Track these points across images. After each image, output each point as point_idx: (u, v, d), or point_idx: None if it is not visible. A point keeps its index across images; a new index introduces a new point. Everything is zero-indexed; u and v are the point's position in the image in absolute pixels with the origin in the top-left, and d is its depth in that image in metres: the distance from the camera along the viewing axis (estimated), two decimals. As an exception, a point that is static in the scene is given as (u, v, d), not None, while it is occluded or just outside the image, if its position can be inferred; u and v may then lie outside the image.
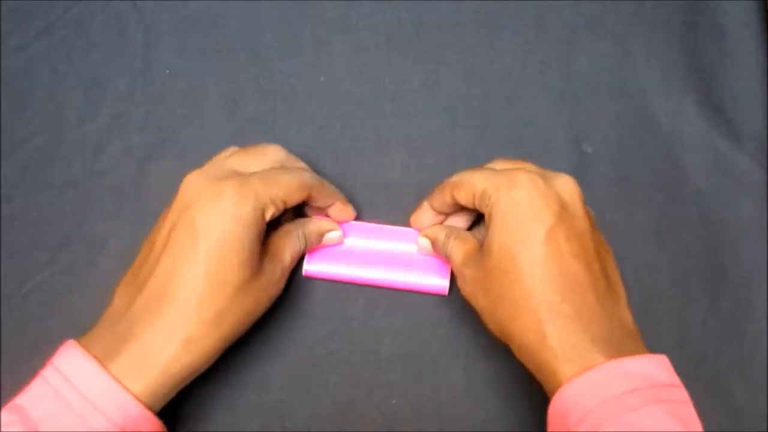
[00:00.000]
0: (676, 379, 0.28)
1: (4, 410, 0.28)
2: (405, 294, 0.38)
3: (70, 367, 0.28)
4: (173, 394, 0.31)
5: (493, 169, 0.33)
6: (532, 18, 0.43)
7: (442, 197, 0.35)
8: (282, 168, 0.34)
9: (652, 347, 0.37)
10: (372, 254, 0.38)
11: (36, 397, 0.28)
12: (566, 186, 0.31)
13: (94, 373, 0.28)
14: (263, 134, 0.41)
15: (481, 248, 0.32)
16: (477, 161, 0.40)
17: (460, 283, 0.33)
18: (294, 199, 0.33)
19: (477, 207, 0.33)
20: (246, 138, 0.40)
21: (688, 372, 0.36)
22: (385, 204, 0.39)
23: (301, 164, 0.37)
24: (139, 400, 0.28)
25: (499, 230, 0.30)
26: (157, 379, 0.29)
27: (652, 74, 0.42)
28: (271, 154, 0.35)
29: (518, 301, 0.29)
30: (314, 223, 0.37)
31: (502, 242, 0.30)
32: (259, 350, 0.37)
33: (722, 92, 0.41)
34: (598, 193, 0.40)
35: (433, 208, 0.36)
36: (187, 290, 0.30)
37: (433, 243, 0.36)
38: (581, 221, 0.31)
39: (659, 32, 0.42)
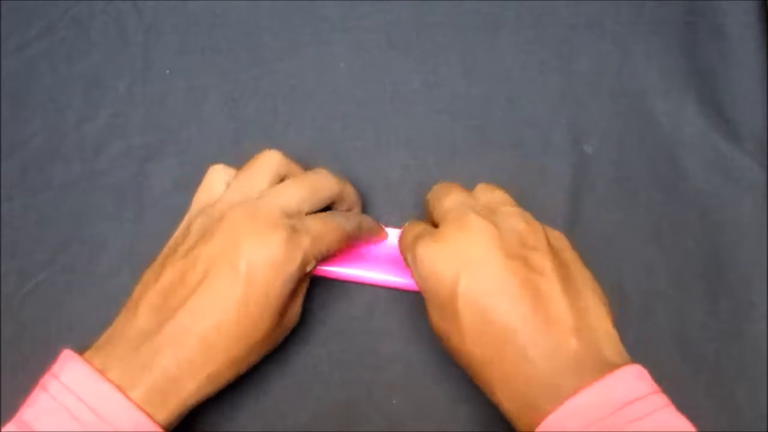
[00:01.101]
0: (645, 389, 0.27)
1: (10, 425, 0.28)
2: (405, 294, 0.38)
3: (84, 390, 0.28)
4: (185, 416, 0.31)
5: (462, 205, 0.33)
6: (532, 18, 0.43)
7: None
8: (338, 216, 0.34)
9: (652, 347, 0.37)
10: (373, 254, 0.38)
11: (44, 413, 0.28)
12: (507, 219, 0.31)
13: (116, 400, 0.28)
14: (263, 134, 0.41)
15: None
16: (477, 161, 0.40)
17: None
18: (335, 252, 0.34)
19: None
20: (246, 138, 0.41)
21: (688, 372, 0.37)
22: (385, 204, 0.39)
23: (352, 192, 0.37)
24: (158, 425, 0.29)
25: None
26: (176, 410, 0.29)
27: (652, 74, 0.42)
28: (327, 189, 0.34)
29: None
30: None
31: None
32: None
33: (722, 92, 0.41)
34: (598, 193, 0.40)
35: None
36: (217, 333, 0.30)
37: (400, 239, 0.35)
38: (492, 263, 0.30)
39: (659, 32, 0.42)
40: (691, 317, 0.38)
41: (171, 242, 0.33)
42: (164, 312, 0.30)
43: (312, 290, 0.38)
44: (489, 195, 0.34)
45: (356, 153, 0.40)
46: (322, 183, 0.34)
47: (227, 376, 0.31)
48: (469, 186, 0.38)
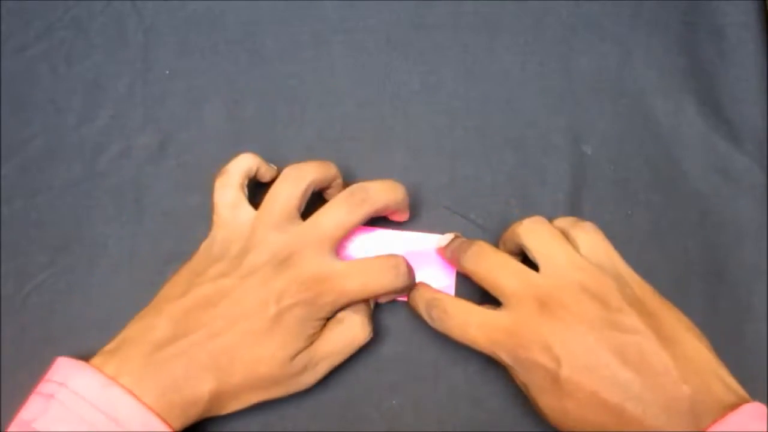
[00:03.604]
0: (764, 426, 0.27)
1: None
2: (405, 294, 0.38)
3: (101, 396, 0.29)
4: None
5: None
6: (531, 19, 0.43)
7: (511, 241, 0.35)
8: (382, 266, 0.33)
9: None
10: None
11: (56, 421, 0.28)
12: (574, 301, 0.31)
13: (129, 404, 0.29)
14: (263, 134, 0.41)
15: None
16: (477, 162, 0.40)
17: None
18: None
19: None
20: (246, 139, 0.41)
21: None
22: (385, 204, 0.39)
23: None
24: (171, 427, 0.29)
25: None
26: (180, 420, 0.30)
27: (652, 74, 0.42)
28: (360, 212, 0.34)
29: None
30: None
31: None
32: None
33: (722, 92, 0.41)
34: (598, 194, 0.40)
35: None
36: (229, 359, 0.31)
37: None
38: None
39: (659, 33, 0.42)
40: (691, 317, 0.38)
41: (200, 256, 0.34)
42: (183, 326, 0.31)
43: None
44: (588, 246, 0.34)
45: (356, 153, 0.40)
46: (358, 208, 0.34)
47: (228, 400, 0.32)
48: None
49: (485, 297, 0.34)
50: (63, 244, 0.39)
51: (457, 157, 0.40)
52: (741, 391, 0.29)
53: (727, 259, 0.38)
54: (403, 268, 0.34)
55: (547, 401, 0.31)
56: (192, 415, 0.31)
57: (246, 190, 0.35)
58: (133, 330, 0.32)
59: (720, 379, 0.29)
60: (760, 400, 0.36)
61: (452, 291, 0.37)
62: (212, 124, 0.41)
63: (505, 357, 0.31)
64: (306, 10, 0.43)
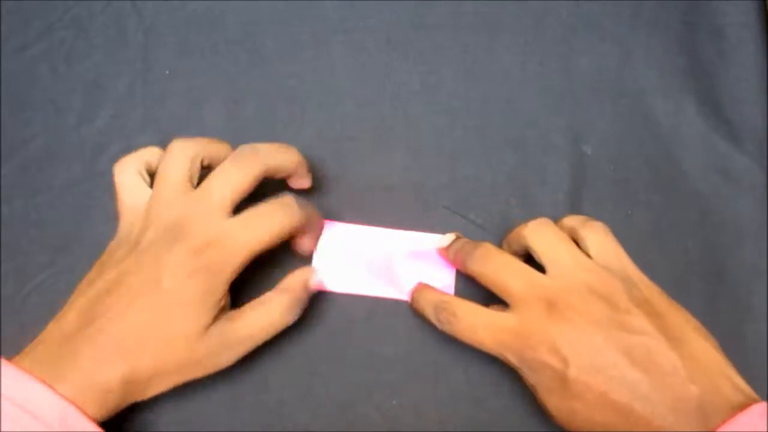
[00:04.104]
0: None
1: None
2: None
3: (14, 388, 0.28)
4: (116, 412, 0.31)
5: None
6: (531, 19, 0.43)
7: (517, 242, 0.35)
8: (268, 211, 0.33)
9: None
10: (374, 262, 0.37)
11: None
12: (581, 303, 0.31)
13: (43, 394, 0.28)
14: (263, 134, 0.41)
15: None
16: (477, 162, 0.40)
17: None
18: (272, 246, 0.33)
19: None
20: (246, 139, 0.40)
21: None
22: (384, 205, 0.39)
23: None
24: (88, 416, 0.29)
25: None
26: (101, 402, 0.30)
27: (652, 74, 0.42)
28: (256, 168, 0.33)
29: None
30: (291, 279, 0.35)
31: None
32: (259, 351, 0.37)
33: (722, 92, 0.41)
34: (598, 193, 0.40)
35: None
36: (133, 339, 0.30)
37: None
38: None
39: (659, 33, 0.42)
40: (690, 317, 0.38)
41: (109, 246, 0.34)
42: (89, 314, 0.31)
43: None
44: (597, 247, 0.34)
45: (356, 153, 0.40)
46: (248, 163, 0.33)
47: (146, 383, 0.31)
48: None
49: (488, 298, 0.34)
50: (63, 244, 0.39)
51: (457, 157, 0.40)
52: (749, 391, 0.29)
53: (727, 259, 0.38)
54: (294, 204, 0.33)
55: (555, 402, 0.31)
56: (111, 402, 0.30)
57: (146, 176, 0.35)
58: (48, 328, 0.32)
59: (728, 379, 0.29)
60: (761, 400, 0.36)
61: (452, 290, 0.37)
62: (212, 124, 0.41)
63: (512, 358, 0.31)
64: (306, 10, 0.43)
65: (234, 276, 0.32)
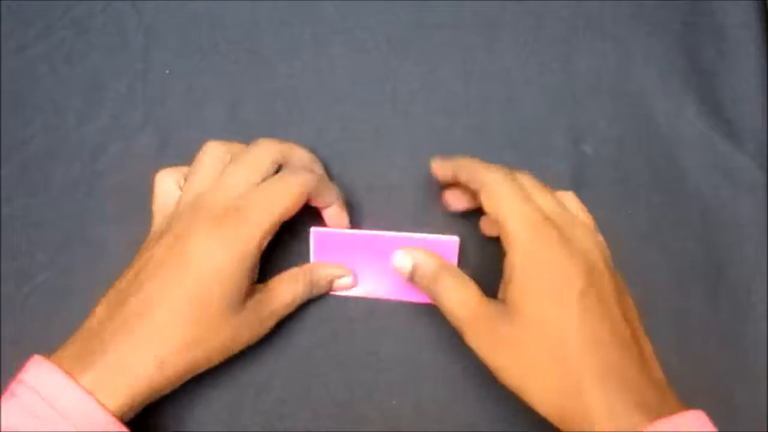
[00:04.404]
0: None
1: None
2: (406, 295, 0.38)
3: (38, 380, 0.28)
4: (139, 409, 0.31)
5: (522, 193, 0.32)
6: (531, 18, 0.43)
7: (467, 179, 0.34)
8: (281, 178, 0.34)
9: (652, 347, 0.37)
10: (370, 265, 0.37)
11: (3, 411, 0.28)
12: (591, 245, 0.31)
13: (62, 385, 0.28)
14: (263, 135, 0.40)
15: (486, 299, 0.31)
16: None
17: (470, 336, 0.31)
18: (292, 213, 0.33)
19: (491, 220, 0.32)
20: (246, 139, 0.40)
21: (688, 372, 0.37)
22: (384, 205, 0.39)
23: (301, 152, 0.36)
24: (107, 410, 0.28)
25: (529, 291, 0.30)
26: (127, 399, 0.29)
27: (652, 74, 0.42)
28: (267, 156, 0.34)
29: (555, 366, 0.29)
30: (323, 269, 0.37)
31: (534, 305, 0.30)
32: (259, 350, 0.37)
33: (722, 92, 0.41)
34: (598, 193, 0.40)
35: (454, 176, 0.35)
36: (167, 312, 0.30)
37: (414, 271, 0.34)
38: (607, 282, 0.31)
39: (659, 33, 0.42)
40: (691, 317, 0.38)
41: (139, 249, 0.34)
42: (116, 303, 0.31)
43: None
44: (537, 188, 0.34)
45: (356, 153, 0.40)
46: (261, 153, 0.34)
47: (180, 365, 0.31)
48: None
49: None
50: (63, 243, 0.39)
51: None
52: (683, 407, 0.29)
53: (727, 259, 0.38)
54: (300, 170, 0.35)
55: (487, 328, 0.31)
56: (141, 390, 0.30)
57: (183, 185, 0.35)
58: (80, 326, 0.32)
59: (669, 391, 0.30)
60: (761, 400, 0.36)
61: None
62: (212, 124, 0.41)
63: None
64: (306, 10, 0.43)
65: (263, 243, 0.32)
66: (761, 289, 0.38)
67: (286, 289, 0.35)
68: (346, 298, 0.38)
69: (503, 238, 0.31)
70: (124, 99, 0.41)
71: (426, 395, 0.36)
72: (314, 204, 0.36)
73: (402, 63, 0.42)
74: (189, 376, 0.32)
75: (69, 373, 0.28)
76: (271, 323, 0.34)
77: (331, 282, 0.37)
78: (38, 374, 0.29)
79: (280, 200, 0.33)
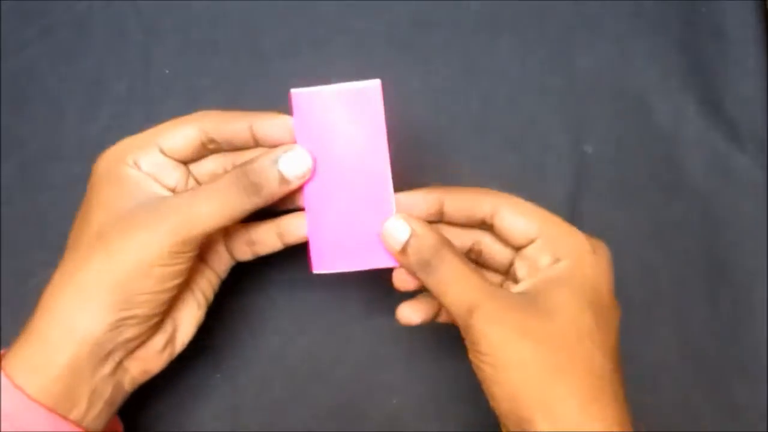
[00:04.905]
0: None
1: None
2: (405, 294, 0.38)
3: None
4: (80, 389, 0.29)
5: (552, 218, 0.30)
6: (532, 18, 0.43)
7: (471, 206, 0.30)
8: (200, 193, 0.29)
9: (652, 347, 0.37)
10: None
11: None
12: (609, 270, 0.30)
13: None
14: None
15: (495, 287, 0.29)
16: (477, 162, 0.40)
17: (484, 321, 0.27)
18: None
19: (519, 249, 0.30)
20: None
21: (688, 372, 0.37)
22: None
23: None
24: (31, 398, 0.27)
25: (579, 300, 0.28)
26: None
27: (652, 74, 0.42)
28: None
29: (581, 368, 0.27)
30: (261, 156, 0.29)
31: (582, 316, 0.28)
32: (259, 350, 0.37)
33: (722, 92, 0.41)
34: (598, 193, 0.40)
35: (442, 212, 0.31)
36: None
37: (410, 245, 0.29)
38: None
39: (659, 32, 0.42)
40: (691, 317, 0.38)
41: None
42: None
43: (312, 290, 0.38)
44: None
45: (356, 153, 0.40)
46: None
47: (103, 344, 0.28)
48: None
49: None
50: (63, 243, 0.39)
51: (457, 158, 0.40)
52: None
53: (727, 259, 0.38)
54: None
55: (507, 329, 0.28)
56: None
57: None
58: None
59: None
60: (761, 400, 0.36)
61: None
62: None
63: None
64: (306, 10, 0.43)
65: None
66: (761, 289, 0.38)
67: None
68: (347, 298, 0.38)
69: (538, 246, 0.30)
70: (124, 98, 0.41)
71: (426, 395, 0.36)
72: (223, 142, 0.31)
73: (402, 63, 0.42)
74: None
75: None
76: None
77: (276, 169, 0.29)
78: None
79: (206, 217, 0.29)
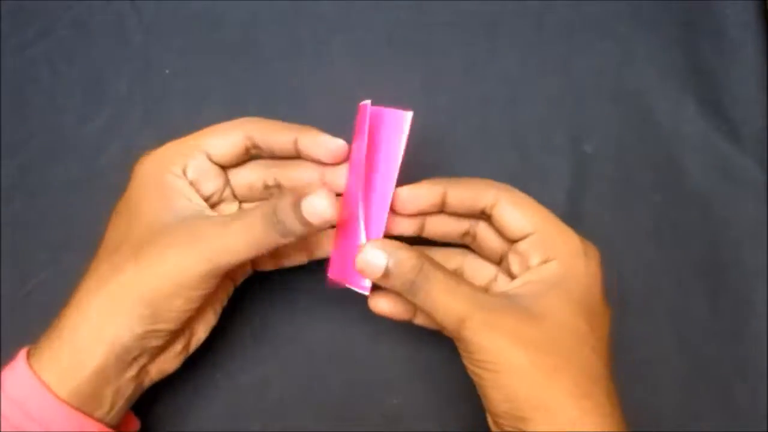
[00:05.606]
0: None
1: None
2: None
3: (7, 377, 0.29)
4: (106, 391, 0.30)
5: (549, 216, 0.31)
6: (531, 18, 0.43)
7: (473, 197, 0.31)
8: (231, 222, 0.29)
9: (652, 347, 0.37)
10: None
11: None
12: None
13: (24, 378, 0.29)
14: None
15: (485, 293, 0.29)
16: (477, 162, 0.40)
17: (477, 328, 0.27)
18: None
19: (515, 244, 0.30)
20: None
21: (688, 372, 0.37)
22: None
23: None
24: (60, 399, 0.28)
25: (571, 303, 0.28)
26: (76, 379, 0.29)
27: (652, 74, 0.42)
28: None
29: (578, 373, 0.28)
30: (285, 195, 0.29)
31: (575, 319, 0.28)
32: (259, 350, 0.37)
33: (722, 92, 0.41)
34: (598, 193, 0.40)
35: (444, 203, 0.31)
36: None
37: (391, 271, 0.28)
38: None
39: (659, 32, 0.42)
40: (691, 317, 0.38)
41: None
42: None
43: (312, 290, 0.38)
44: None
45: (356, 153, 0.40)
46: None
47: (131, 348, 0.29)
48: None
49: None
50: (63, 243, 0.39)
51: (457, 157, 0.40)
52: None
53: (727, 258, 0.38)
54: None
55: (498, 337, 0.28)
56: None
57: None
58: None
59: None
60: (761, 400, 0.36)
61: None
62: (212, 124, 0.41)
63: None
64: (306, 10, 0.43)
65: None
66: (761, 289, 0.38)
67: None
68: (347, 298, 0.38)
69: (532, 242, 0.30)
70: (123, 98, 0.41)
71: (426, 395, 0.36)
72: (269, 153, 0.32)
73: (402, 63, 0.42)
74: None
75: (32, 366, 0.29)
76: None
77: (299, 211, 0.28)
78: (9, 371, 0.29)
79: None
